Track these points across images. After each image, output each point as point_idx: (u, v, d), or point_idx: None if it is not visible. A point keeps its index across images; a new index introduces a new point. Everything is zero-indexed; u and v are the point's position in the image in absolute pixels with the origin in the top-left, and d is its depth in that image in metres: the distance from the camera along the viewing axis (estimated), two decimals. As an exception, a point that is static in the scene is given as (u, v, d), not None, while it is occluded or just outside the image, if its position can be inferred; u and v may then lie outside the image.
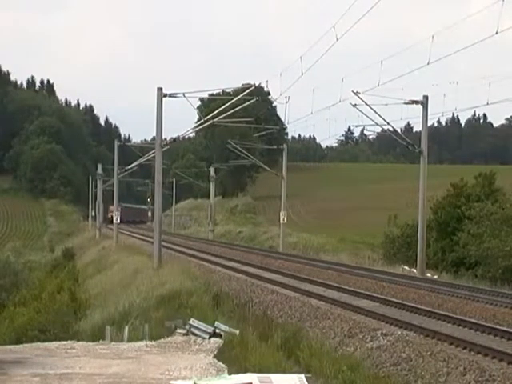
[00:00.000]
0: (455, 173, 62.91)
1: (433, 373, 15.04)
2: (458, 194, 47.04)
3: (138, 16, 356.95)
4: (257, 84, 38.58)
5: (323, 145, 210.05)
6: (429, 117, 39.10)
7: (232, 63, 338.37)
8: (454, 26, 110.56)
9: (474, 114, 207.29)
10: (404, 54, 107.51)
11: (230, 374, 13.99)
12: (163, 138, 36.97)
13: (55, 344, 19.14)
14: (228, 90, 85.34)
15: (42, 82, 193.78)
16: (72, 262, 65.22)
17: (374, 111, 38.30)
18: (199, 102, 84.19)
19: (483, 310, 22.88)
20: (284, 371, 14.24)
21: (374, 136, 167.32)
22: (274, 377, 12.48)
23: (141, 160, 57.20)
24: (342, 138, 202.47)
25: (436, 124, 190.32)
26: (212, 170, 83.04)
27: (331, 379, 14.36)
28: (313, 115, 57.58)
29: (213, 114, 37.95)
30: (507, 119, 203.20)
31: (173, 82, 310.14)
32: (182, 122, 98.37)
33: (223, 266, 39.44)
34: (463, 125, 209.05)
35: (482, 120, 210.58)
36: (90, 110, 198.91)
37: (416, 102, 38.36)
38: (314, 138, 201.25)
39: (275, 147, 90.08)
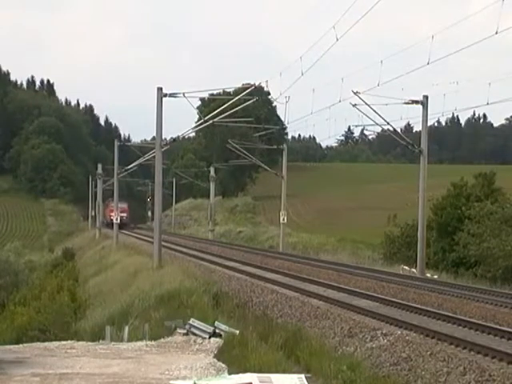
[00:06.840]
0: (455, 173, 62.88)
1: (433, 373, 15.03)
2: (458, 193, 47.07)
3: (138, 16, 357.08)
4: (257, 84, 38.59)
5: (323, 145, 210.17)
6: (429, 117, 39.11)
7: (232, 63, 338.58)
8: (454, 26, 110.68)
9: (474, 114, 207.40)
10: (404, 54, 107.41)
11: (230, 373, 13.98)
12: (163, 137, 37.01)
13: (55, 344, 19.12)
14: (228, 90, 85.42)
15: (42, 81, 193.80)
16: (72, 262, 65.19)
17: (374, 111, 38.34)
18: (199, 102, 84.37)
19: (483, 309, 22.87)
20: (284, 371, 14.22)
21: (374, 136, 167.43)
22: (274, 377, 12.46)
23: (141, 160, 57.16)
24: (342, 138, 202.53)
25: (436, 124, 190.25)
26: (212, 169, 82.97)
27: (331, 379, 14.35)
28: (313, 115, 57.68)
29: (213, 113, 37.98)
30: (507, 119, 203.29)
31: (173, 82, 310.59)
32: (182, 121, 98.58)
33: (223, 265, 39.40)
34: (463, 125, 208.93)
35: (482, 120, 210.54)
36: (89, 109, 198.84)
37: (416, 102, 38.34)
38: (314, 137, 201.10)
39: (275, 147, 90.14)
